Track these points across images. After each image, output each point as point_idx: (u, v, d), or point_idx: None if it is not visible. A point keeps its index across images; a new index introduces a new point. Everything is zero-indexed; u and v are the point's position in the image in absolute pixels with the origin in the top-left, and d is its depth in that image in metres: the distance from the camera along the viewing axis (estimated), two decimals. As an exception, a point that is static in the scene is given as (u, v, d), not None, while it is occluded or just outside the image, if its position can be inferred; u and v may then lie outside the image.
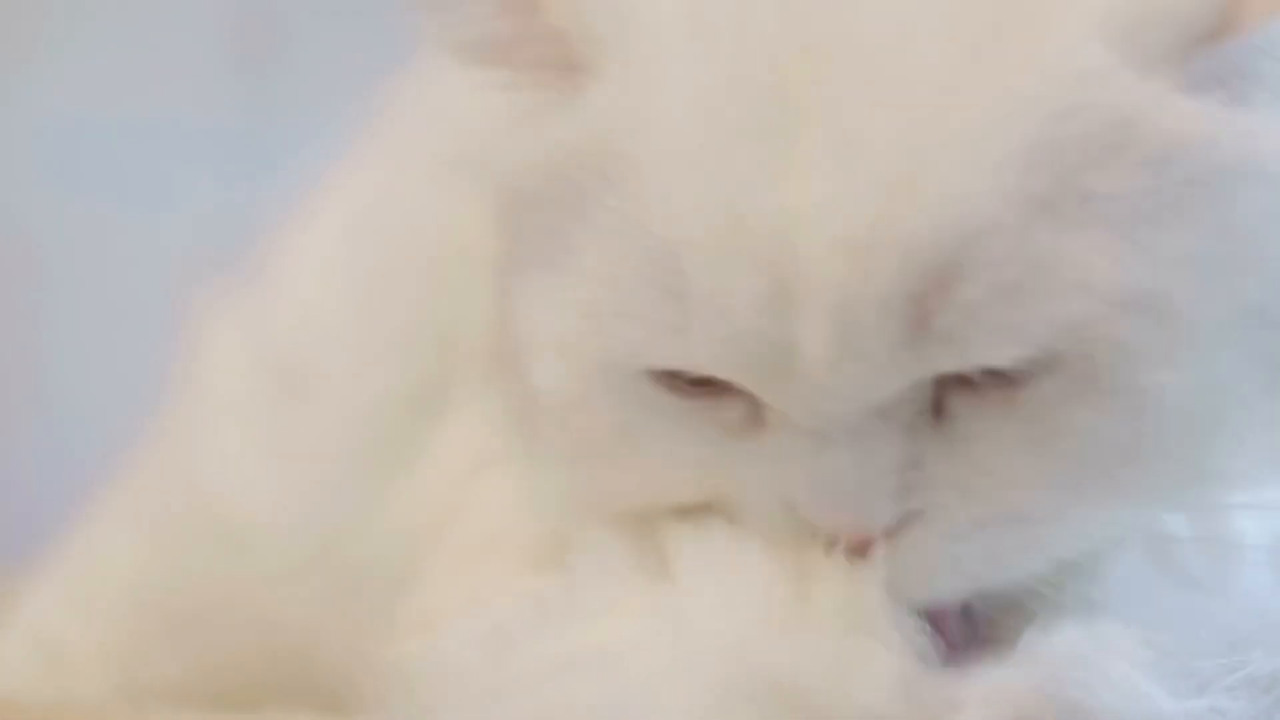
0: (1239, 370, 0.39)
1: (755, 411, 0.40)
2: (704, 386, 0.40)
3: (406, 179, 0.59)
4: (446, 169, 0.55)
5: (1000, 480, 0.39)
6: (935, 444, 0.39)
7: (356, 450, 0.57)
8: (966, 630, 0.40)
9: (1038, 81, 0.37)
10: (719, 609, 0.40)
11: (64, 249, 1.18)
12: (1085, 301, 0.37)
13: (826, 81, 0.38)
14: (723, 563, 0.41)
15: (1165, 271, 0.37)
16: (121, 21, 1.19)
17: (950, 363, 0.37)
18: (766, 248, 0.37)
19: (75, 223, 1.17)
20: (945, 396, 0.39)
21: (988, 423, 0.38)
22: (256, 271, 0.67)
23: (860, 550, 0.39)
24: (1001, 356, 0.37)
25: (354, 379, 0.58)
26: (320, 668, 0.60)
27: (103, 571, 0.68)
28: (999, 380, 0.38)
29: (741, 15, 0.39)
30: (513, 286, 0.44)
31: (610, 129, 0.40)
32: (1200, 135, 0.38)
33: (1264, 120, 0.39)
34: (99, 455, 0.72)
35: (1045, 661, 0.38)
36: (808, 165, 0.37)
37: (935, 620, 0.40)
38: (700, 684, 0.39)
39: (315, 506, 0.59)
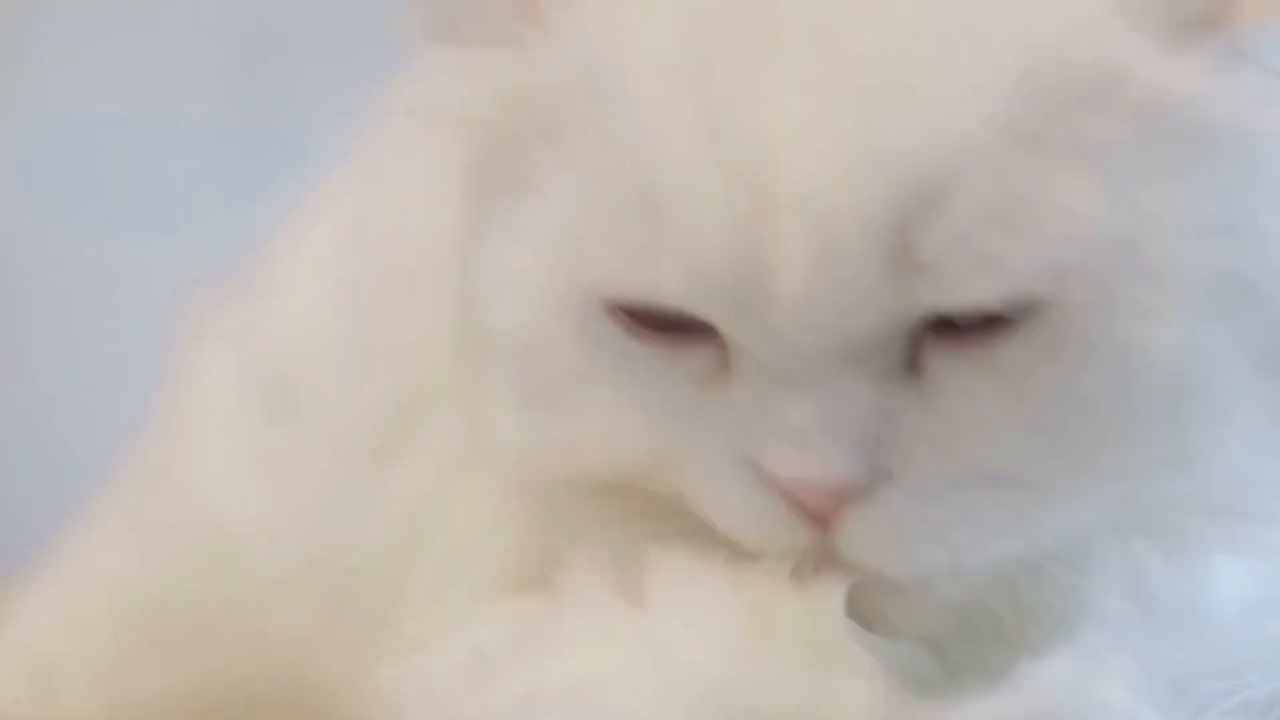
0: (1224, 341, 0.38)
1: (721, 360, 0.39)
2: (669, 332, 0.39)
3: (400, 192, 0.58)
4: (439, 172, 0.54)
5: (977, 438, 0.38)
6: (909, 399, 0.38)
7: (348, 466, 0.57)
8: None
9: (1032, 14, 0.37)
10: (692, 642, 0.39)
11: (57, 252, 1.18)
12: (1067, 242, 0.36)
13: None
14: (691, 595, 0.40)
15: (1148, 224, 0.37)
16: (120, 20, 1.19)
17: (931, 295, 0.36)
18: (745, 162, 0.37)
19: (70, 227, 1.17)
20: (921, 351, 0.38)
21: (965, 378, 0.37)
22: (248, 284, 0.66)
23: (826, 517, 0.38)
24: (982, 292, 0.36)
25: (346, 395, 0.57)
26: (309, 684, 0.59)
27: (91, 586, 0.68)
28: (977, 333, 0.37)
29: None
30: (476, 235, 0.43)
31: (588, 54, 0.40)
32: (1193, 95, 0.37)
33: (1262, 97, 0.38)
34: (86, 467, 0.72)
35: (1037, 688, 0.37)
36: (792, 79, 0.37)
37: None
38: (678, 718, 0.38)
39: (305, 522, 0.59)
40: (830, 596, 0.39)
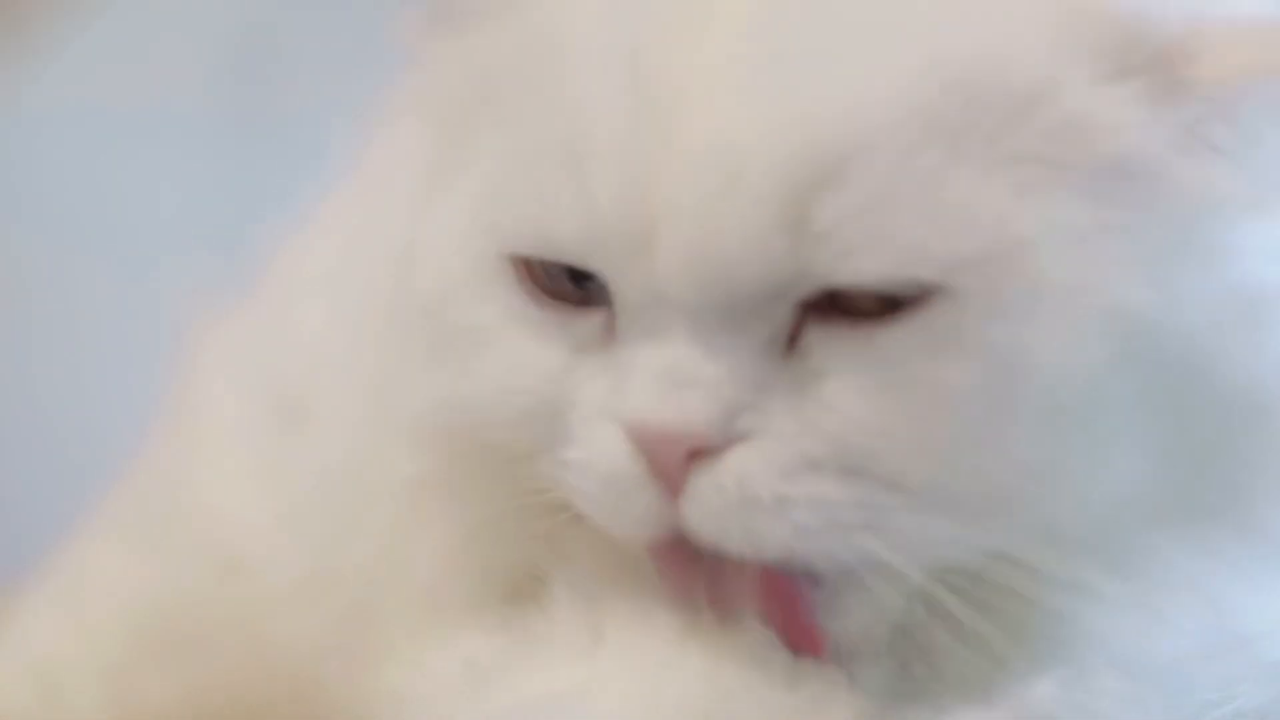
0: (1113, 375, 0.38)
1: (608, 326, 0.40)
2: (565, 300, 0.40)
3: (390, 212, 0.59)
4: None
5: (840, 421, 0.37)
6: (782, 373, 0.38)
7: (348, 481, 0.57)
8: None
9: (977, 22, 0.38)
10: (663, 660, 0.40)
11: (56, 257, 1.18)
12: (964, 235, 0.37)
13: None
14: (657, 625, 0.41)
15: (1051, 235, 0.37)
16: (121, 22, 1.19)
17: (820, 265, 0.37)
18: (657, 107, 0.38)
19: (69, 235, 1.17)
20: (803, 329, 0.38)
21: (841, 361, 0.38)
22: (254, 295, 0.67)
23: (675, 480, 0.38)
24: (872, 269, 0.37)
25: (349, 411, 0.58)
26: (314, 692, 0.60)
27: (97, 592, 0.68)
28: (861, 317, 0.37)
29: None
30: (425, 212, 0.45)
31: (535, 22, 0.41)
32: (1118, 128, 0.38)
33: (1189, 149, 0.38)
34: (92, 472, 0.72)
35: (1031, 703, 0.38)
36: (718, 35, 0.38)
37: (786, 603, 0.39)
38: None
39: (309, 533, 0.59)
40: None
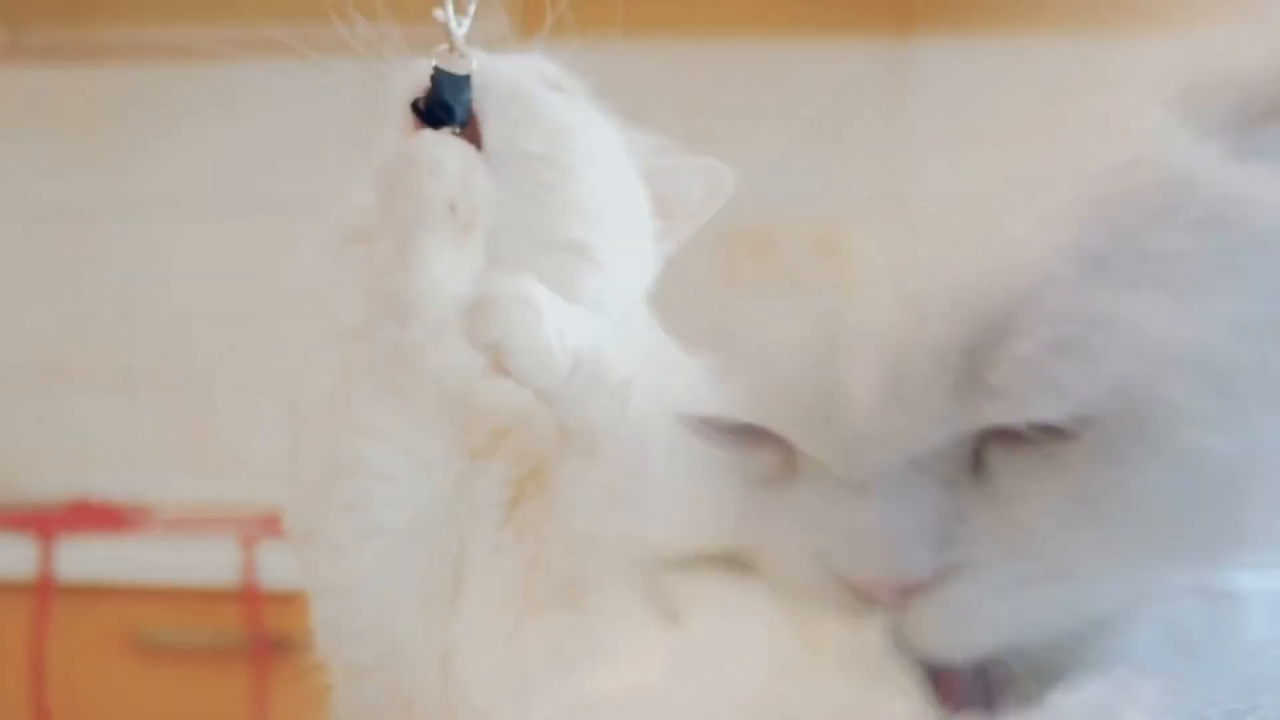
0: (1274, 432, 0.38)
1: (788, 461, 0.41)
2: (737, 435, 0.41)
3: None
4: None
5: (1041, 537, 0.38)
6: (975, 497, 0.39)
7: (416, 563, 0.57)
8: (978, 690, 0.40)
9: (1095, 139, 0.38)
10: (731, 657, 0.41)
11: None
12: (1136, 361, 0.37)
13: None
14: (729, 611, 0.42)
15: (1214, 333, 0.37)
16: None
17: (998, 416, 0.37)
18: (817, 293, 0.38)
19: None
20: (985, 450, 0.39)
21: (1029, 479, 0.38)
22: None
23: (889, 606, 0.39)
24: (1050, 412, 0.37)
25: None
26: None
27: None
28: (1041, 435, 0.38)
29: None
30: None
31: None
32: (1254, 201, 0.38)
33: None
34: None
35: (1068, 715, 0.38)
36: (865, 215, 0.38)
37: (944, 679, 0.40)
38: None
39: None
40: (879, 618, 0.40)
